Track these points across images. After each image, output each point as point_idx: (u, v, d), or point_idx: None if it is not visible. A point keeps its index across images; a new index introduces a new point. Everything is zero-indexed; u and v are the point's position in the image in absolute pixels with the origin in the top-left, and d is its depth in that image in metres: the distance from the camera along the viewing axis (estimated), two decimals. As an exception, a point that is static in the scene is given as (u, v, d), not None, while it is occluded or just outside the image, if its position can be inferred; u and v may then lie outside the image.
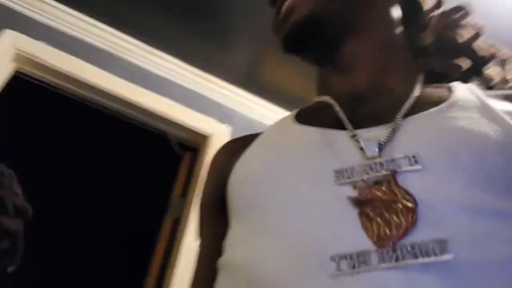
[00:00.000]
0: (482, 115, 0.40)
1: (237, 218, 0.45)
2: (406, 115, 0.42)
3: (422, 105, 0.44)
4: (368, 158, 0.39)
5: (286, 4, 0.52)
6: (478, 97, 0.44)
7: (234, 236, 0.44)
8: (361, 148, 0.40)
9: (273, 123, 0.56)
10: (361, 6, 0.52)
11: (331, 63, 0.53)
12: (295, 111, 0.55)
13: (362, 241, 0.33)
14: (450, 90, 0.47)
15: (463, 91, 0.45)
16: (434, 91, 0.48)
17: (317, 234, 0.35)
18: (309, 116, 0.51)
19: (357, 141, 0.41)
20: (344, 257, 0.33)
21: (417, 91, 0.46)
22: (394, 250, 0.32)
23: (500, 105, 0.42)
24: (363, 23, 0.52)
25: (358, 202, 0.36)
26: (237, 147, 0.53)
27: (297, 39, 0.52)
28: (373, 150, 0.39)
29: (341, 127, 0.44)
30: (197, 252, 0.54)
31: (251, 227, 0.42)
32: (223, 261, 0.44)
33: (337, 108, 0.47)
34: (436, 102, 0.44)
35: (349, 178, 0.38)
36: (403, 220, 0.33)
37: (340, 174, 0.38)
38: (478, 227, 0.33)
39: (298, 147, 0.45)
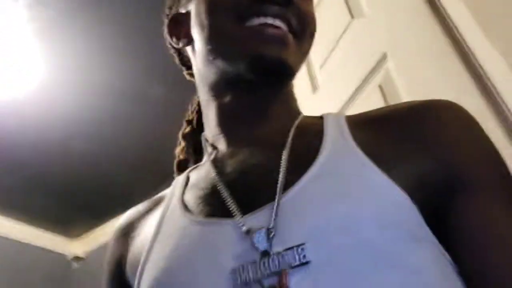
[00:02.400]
0: (350, 175, 0.41)
1: None
2: (286, 184, 0.42)
3: (297, 165, 0.43)
4: (261, 255, 0.37)
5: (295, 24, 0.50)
6: (342, 142, 0.45)
7: None
8: (253, 243, 0.38)
9: (168, 195, 0.53)
10: None
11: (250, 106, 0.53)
12: (183, 177, 0.54)
13: None
14: (321, 130, 0.48)
15: (331, 131, 0.47)
16: (307, 133, 0.49)
17: None
18: (195, 191, 0.50)
19: (248, 232, 0.39)
20: None
21: (288, 147, 0.46)
22: None
23: (362, 140, 0.44)
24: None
25: None
26: (138, 220, 0.55)
27: (281, 71, 0.50)
28: (263, 245, 0.37)
29: (228, 211, 0.42)
30: None
31: None
32: None
33: (224, 191, 0.45)
34: (310, 155, 0.44)
35: (245, 281, 0.36)
36: None
37: (237, 276, 0.36)
38: None
39: (190, 249, 0.42)
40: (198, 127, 0.65)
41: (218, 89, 0.54)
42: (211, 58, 0.52)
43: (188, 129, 0.68)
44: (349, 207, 0.37)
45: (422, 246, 0.36)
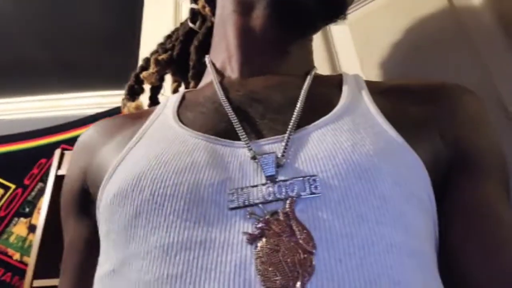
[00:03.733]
0: (368, 127, 0.39)
1: (109, 233, 0.37)
2: (299, 123, 0.39)
3: (313, 109, 0.41)
4: (266, 179, 0.34)
5: None
6: (363, 99, 0.43)
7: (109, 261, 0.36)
8: (259, 166, 0.35)
9: (155, 110, 0.48)
10: None
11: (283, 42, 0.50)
12: (178, 96, 0.49)
13: None
14: (340, 85, 0.46)
15: (351, 89, 0.45)
16: (324, 86, 0.46)
17: (205, 284, 0.29)
18: (194, 108, 0.46)
19: (254, 157, 0.36)
20: None
21: (305, 90, 0.44)
22: None
23: (382, 105, 0.43)
24: None
25: (254, 239, 0.31)
26: (109, 132, 0.48)
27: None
28: (271, 170, 0.34)
29: (233, 133, 0.39)
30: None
31: (124, 255, 0.34)
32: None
33: (230, 112, 0.42)
34: (327, 105, 0.42)
35: (244, 202, 0.33)
36: (300, 270, 0.29)
37: (235, 196, 0.33)
38: (382, 270, 0.30)
39: (185, 162, 0.37)
40: (177, 56, 0.63)
41: (251, 4, 0.49)
42: None
43: (164, 56, 0.64)
44: (366, 155, 0.35)
45: (424, 216, 0.36)
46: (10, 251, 1.48)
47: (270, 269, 0.29)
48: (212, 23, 0.59)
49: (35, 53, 1.74)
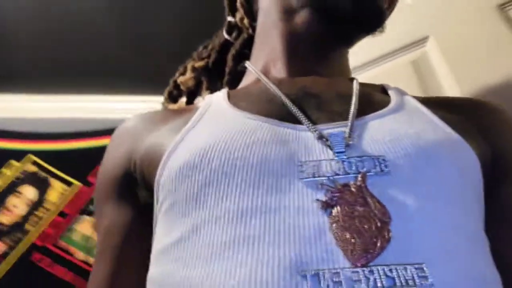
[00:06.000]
0: (425, 122, 0.41)
1: (174, 205, 0.37)
2: (358, 114, 0.41)
3: (367, 104, 0.43)
4: (336, 155, 0.35)
5: None
6: (412, 101, 0.45)
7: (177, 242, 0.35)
8: (327, 145, 0.36)
9: (203, 104, 0.49)
10: None
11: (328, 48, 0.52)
12: (224, 91, 0.50)
13: (337, 258, 0.29)
14: (384, 90, 0.49)
15: (396, 93, 0.47)
16: (371, 89, 0.49)
17: (285, 246, 0.29)
18: (246, 99, 0.46)
19: (321, 136, 0.37)
20: (315, 275, 0.28)
21: (356, 88, 0.46)
22: (371, 272, 0.28)
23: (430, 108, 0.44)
24: None
25: (327, 207, 0.31)
26: (154, 122, 0.48)
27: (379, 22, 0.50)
28: (340, 147, 0.35)
29: (292, 118, 0.40)
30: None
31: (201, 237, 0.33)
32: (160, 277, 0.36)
33: (285, 99, 0.43)
34: (379, 102, 0.44)
35: (314, 175, 0.33)
36: (379, 236, 0.29)
37: (304, 168, 0.34)
38: (448, 245, 0.31)
39: (250, 139, 0.37)
40: (212, 65, 0.67)
41: (294, 12, 0.51)
42: None
43: (200, 63, 0.68)
44: (431, 142, 0.37)
45: (479, 209, 0.37)
46: (74, 250, 1.37)
47: (347, 234, 0.30)
48: (248, 35, 0.64)
49: (120, 54, 1.73)
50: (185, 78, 0.68)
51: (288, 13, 0.52)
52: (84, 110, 1.83)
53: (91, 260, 1.35)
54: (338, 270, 0.28)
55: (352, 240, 0.29)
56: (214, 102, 0.47)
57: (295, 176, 0.33)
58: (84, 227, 1.42)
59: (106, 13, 1.65)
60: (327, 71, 0.51)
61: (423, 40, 0.92)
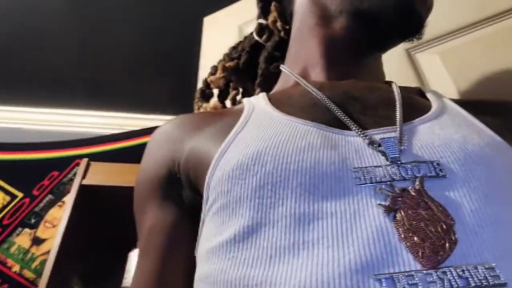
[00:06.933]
0: (468, 126, 0.41)
1: (226, 205, 0.37)
2: (404, 119, 0.41)
3: (410, 109, 0.43)
4: (390, 161, 0.35)
5: None
6: (452, 105, 0.46)
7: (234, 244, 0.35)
8: (379, 150, 0.36)
9: (245, 107, 0.49)
10: None
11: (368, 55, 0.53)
12: (263, 95, 0.51)
13: (407, 261, 0.29)
14: (421, 94, 0.50)
15: (435, 96, 0.48)
16: (410, 93, 0.49)
17: (348, 248, 0.30)
18: (290, 103, 0.47)
19: (372, 141, 0.37)
20: (389, 278, 0.28)
21: (398, 92, 0.47)
22: (444, 273, 0.28)
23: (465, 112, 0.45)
24: None
25: (390, 211, 0.32)
26: (195, 124, 0.49)
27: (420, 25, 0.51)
28: (394, 153, 0.36)
29: (339, 123, 0.41)
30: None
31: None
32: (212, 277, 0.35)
33: (329, 104, 0.44)
34: (422, 107, 0.45)
35: (371, 180, 0.34)
36: (446, 238, 0.30)
37: (360, 174, 0.34)
38: (504, 246, 0.31)
39: (302, 144, 0.38)
40: (243, 65, 0.68)
41: (332, 18, 0.53)
42: None
43: (231, 63, 0.69)
44: (478, 146, 0.37)
45: None
46: (10, 262, 1.36)
47: (415, 237, 0.30)
48: (280, 37, 0.64)
49: (65, 68, 1.75)
50: (216, 78, 0.69)
51: (326, 18, 0.53)
52: (35, 122, 1.82)
53: (27, 273, 1.34)
54: (412, 273, 0.28)
55: (421, 243, 0.30)
56: (257, 105, 0.48)
57: (350, 182, 0.34)
58: (23, 239, 1.41)
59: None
60: (365, 75, 0.52)
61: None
